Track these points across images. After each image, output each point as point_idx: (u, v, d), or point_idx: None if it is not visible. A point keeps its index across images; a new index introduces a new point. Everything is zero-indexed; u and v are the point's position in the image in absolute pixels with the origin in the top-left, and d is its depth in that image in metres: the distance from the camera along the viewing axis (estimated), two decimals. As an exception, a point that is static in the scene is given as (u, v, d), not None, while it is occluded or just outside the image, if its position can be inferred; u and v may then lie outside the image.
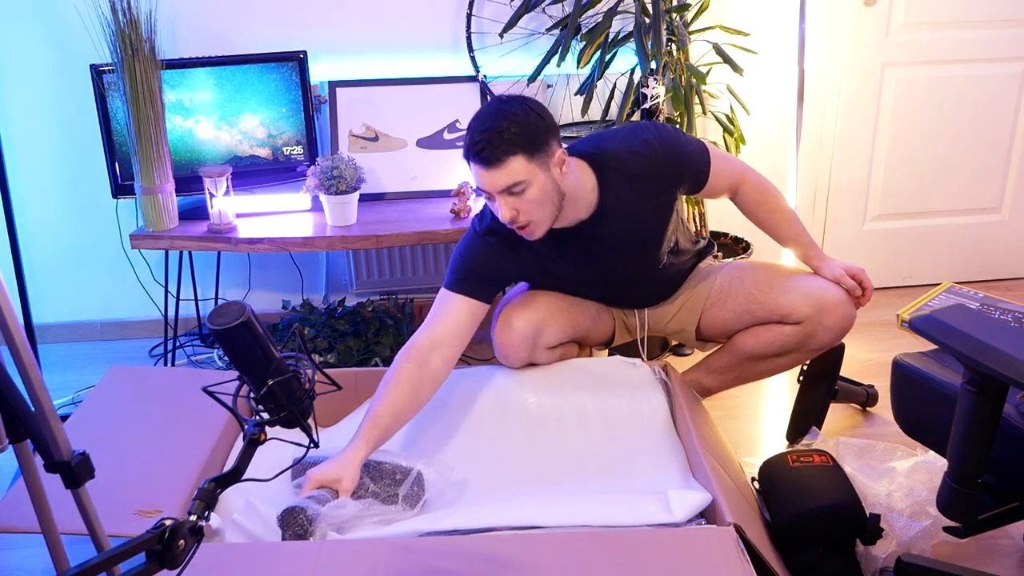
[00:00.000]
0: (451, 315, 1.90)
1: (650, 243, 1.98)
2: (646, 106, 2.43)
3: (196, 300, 2.88)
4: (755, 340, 2.01)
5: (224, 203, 2.44)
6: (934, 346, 1.32)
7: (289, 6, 2.65)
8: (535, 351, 2.01)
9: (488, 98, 2.68)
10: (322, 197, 2.45)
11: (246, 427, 1.16)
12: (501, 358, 2.03)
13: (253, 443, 1.15)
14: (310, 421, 1.22)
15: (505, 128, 1.71)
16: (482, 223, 1.95)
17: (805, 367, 2.14)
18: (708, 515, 1.60)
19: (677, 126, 2.46)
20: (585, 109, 2.54)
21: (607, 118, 2.68)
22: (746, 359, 2.04)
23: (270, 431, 1.17)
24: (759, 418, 2.35)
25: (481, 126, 1.73)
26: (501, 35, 2.62)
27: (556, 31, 2.59)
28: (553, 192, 1.79)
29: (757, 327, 2.01)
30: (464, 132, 2.67)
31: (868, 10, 2.77)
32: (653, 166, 1.89)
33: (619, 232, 1.93)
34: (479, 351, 2.63)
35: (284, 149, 2.63)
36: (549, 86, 2.72)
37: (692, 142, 1.94)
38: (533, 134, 1.73)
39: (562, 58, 2.49)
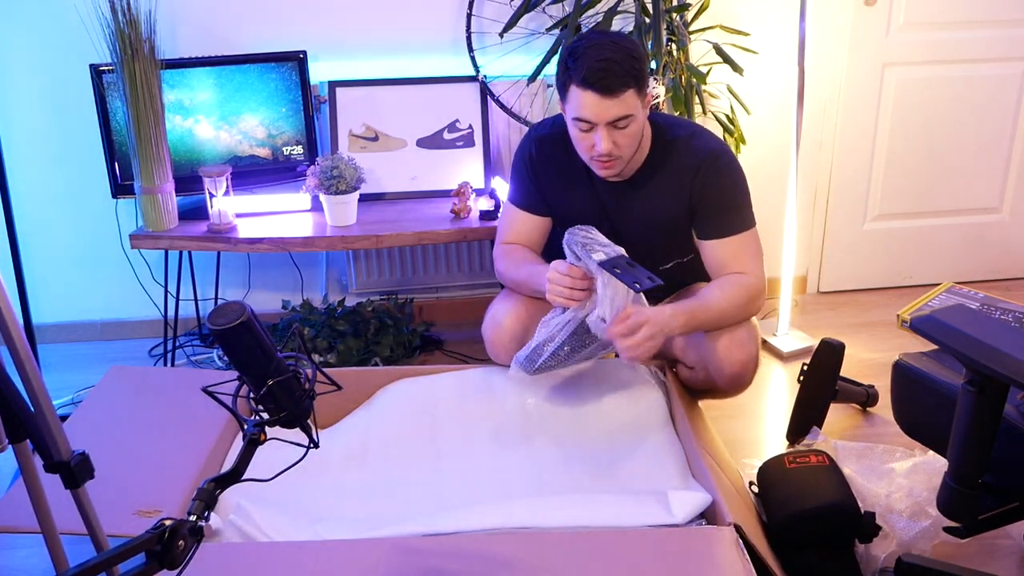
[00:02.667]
0: (517, 228, 2.07)
1: (661, 237, 1.99)
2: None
3: (196, 300, 2.88)
4: (682, 375, 2.06)
5: (224, 203, 2.44)
6: (934, 346, 1.32)
7: (289, 6, 2.65)
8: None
9: (487, 98, 2.68)
10: (322, 197, 2.45)
11: (246, 427, 1.16)
12: (492, 355, 2.04)
13: (253, 443, 1.15)
14: (310, 421, 1.22)
15: (624, 59, 1.74)
16: (538, 130, 2.03)
17: (805, 367, 2.14)
18: (708, 515, 1.60)
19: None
20: (585, 109, 2.53)
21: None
22: (687, 389, 2.08)
23: (270, 431, 1.17)
24: (759, 418, 2.35)
25: (599, 54, 1.74)
26: (501, 35, 2.62)
27: (556, 31, 2.59)
28: (641, 131, 1.85)
29: (680, 365, 2.05)
30: (465, 129, 2.70)
31: (868, 10, 2.77)
32: (695, 172, 1.90)
33: (641, 209, 1.96)
34: (477, 351, 2.63)
35: (284, 149, 2.63)
36: (549, 86, 2.72)
37: (746, 203, 1.94)
38: (644, 69, 1.78)
39: (562, 58, 2.48)
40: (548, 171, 2.00)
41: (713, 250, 1.93)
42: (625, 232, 2.01)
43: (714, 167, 1.90)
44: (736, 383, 1.93)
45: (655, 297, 2.09)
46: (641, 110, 1.80)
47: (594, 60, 1.73)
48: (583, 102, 1.76)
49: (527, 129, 2.29)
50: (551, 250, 2.25)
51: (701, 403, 2.10)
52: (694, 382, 2.00)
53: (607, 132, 1.78)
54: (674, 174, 1.93)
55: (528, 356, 1.86)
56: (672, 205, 1.95)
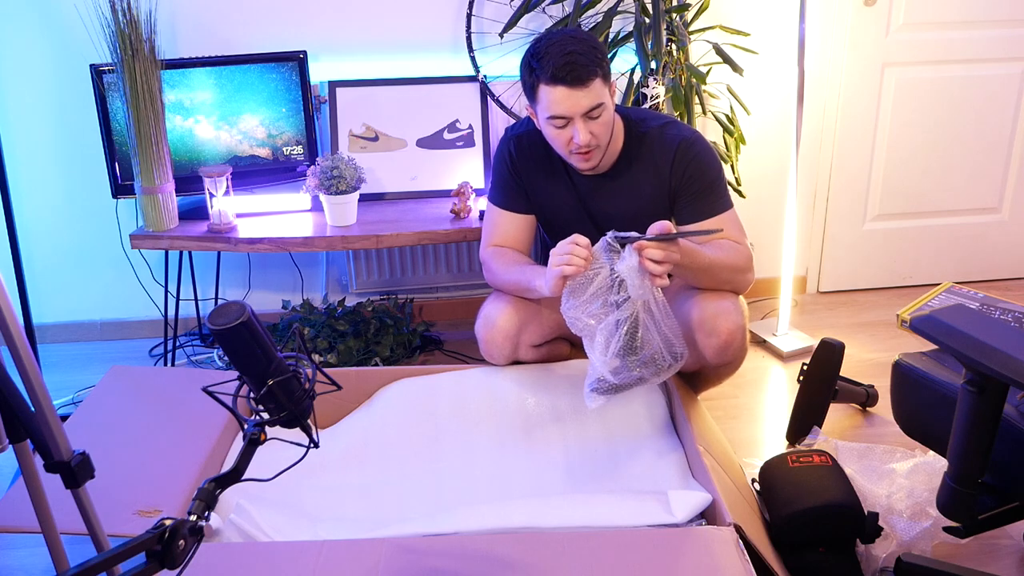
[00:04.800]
0: (503, 229, 2.06)
1: (640, 229, 1.99)
2: (646, 106, 2.43)
3: (196, 300, 2.88)
4: None
5: (224, 203, 2.44)
6: (934, 346, 1.32)
7: (289, 6, 2.65)
8: (518, 349, 2.03)
9: (487, 98, 2.68)
10: (322, 197, 2.45)
11: (246, 427, 1.16)
12: (486, 355, 2.05)
13: (253, 443, 1.15)
14: (310, 421, 1.22)
15: (586, 50, 1.78)
16: (514, 129, 2.05)
17: (805, 367, 2.14)
18: (708, 515, 1.60)
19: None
20: (585, 109, 2.53)
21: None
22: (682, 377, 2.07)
23: (270, 431, 1.17)
24: (759, 418, 2.35)
25: (561, 49, 1.77)
26: (501, 35, 2.62)
27: (556, 31, 2.59)
28: (612, 120, 1.88)
29: None
30: (465, 129, 2.70)
31: (868, 10, 2.77)
32: (672, 163, 1.93)
33: (620, 200, 1.98)
34: (477, 351, 2.63)
35: (284, 149, 2.63)
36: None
37: (723, 185, 1.97)
38: (606, 58, 1.82)
39: (562, 58, 2.48)
40: (528, 168, 2.02)
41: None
42: (605, 224, 2.01)
43: (689, 153, 1.92)
44: (723, 354, 1.88)
45: None
46: (609, 97, 1.84)
47: (558, 56, 1.77)
48: (554, 98, 1.79)
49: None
50: (543, 251, 2.26)
51: (705, 402, 2.10)
52: (686, 364, 1.99)
53: (583, 124, 1.81)
54: (651, 164, 1.95)
55: (597, 379, 1.74)
56: (651, 195, 1.97)
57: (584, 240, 1.75)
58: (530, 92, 1.85)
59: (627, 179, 1.97)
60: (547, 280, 1.78)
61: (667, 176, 1.94)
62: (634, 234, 1.71)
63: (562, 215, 2.05)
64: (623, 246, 1.71)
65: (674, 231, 1.72)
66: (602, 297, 1.72)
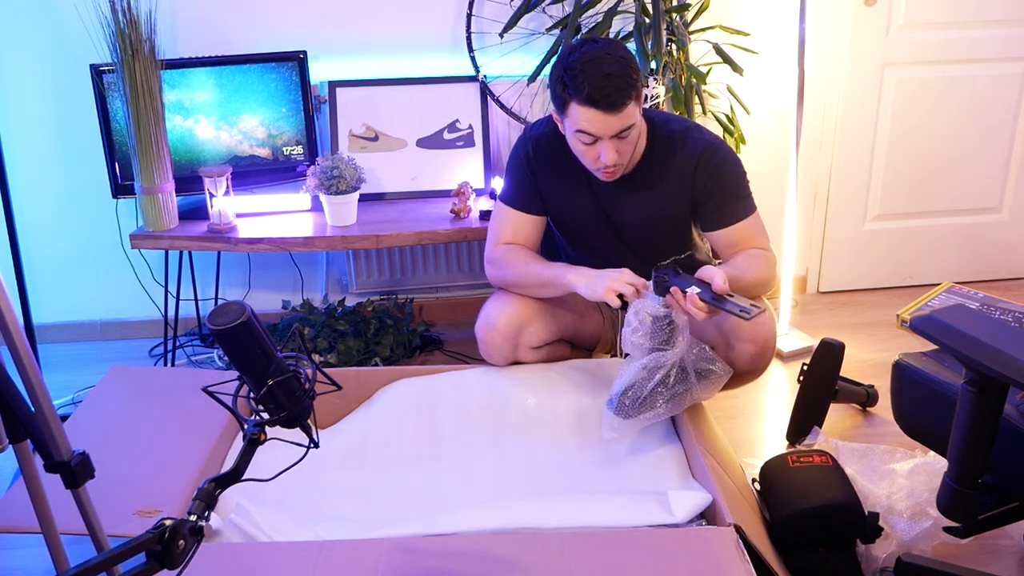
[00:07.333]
0: (515, 229, 2.05)
1: (660, 235, 1.99)
2: (646, 106, 2.43)
3: (196, 300, 2.88)
4: None
5: (224, 203, 2.44)
6: (934, 346, 1.32)
7: (289, 6, 2.65)
8: (518, 350, 2.03)
9: (487, 98, 2.68)
10: (322, 197, 2.45)
11: (246, 427, 1.16)
12: (485, 356, 2.05)
13: (253, 443, 1.15)
14: (310, 421, 1.22)
15: (623, 73, 1.74)
16: (533, 130, 2.03)
17: (805, 367, 2.14)
18: (708, 515, 1.60)
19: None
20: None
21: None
22: None
23: (270, 431, 1.17)
24: (759, 418, 2.35)
25: (597, 70, 1.73)
26: (501, 35, 2.62)
27: (556, 31, 2.59)
28: (640, 132, 1.86)
29: None
30: (465, 129, 2.69)
31: (868, 10, 2.77)
32: (694, 167, 1.91)
33: (640, 205, 1.97)
34: (477, 351, 2.63)
35: (284, 149, 2.63)
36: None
37: (747, 190, 1.96)
38: (639, 76, 1.79)
39: (562, 58, 2.48)
40: (546, 170, 2.00)
41: (724, 237, 1.95)
42: (625, 231, 2.02)
43: (713, 160, 1.91)
44: (757, 361, 1.92)
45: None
46: (639, 116, 1.82)
47: (595, 78, 1.72)
48: (586, 118, 1.76)
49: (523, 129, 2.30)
50: (549, 250, 2.25)
51: (705, 402, 2.10)
52: None
53: (611, 144, 1.79)
54: (673, 170, 1.94)
55: (620, 398, 1.79)
56: (672, 202, 1.95)
57: (631, 276, 1.79)
58: (559, 103, 1.81)
59: (648, 184, 1.95)
60: (595, 288, 1.79)
61: (690, 182, 1.93)
62: (685, 278, 1.72)
63: (579, 219, 2.03)
64: (668, 287, 1.73)
65: (721, 276, 1.70)
66: (658, 337, 1.76)
